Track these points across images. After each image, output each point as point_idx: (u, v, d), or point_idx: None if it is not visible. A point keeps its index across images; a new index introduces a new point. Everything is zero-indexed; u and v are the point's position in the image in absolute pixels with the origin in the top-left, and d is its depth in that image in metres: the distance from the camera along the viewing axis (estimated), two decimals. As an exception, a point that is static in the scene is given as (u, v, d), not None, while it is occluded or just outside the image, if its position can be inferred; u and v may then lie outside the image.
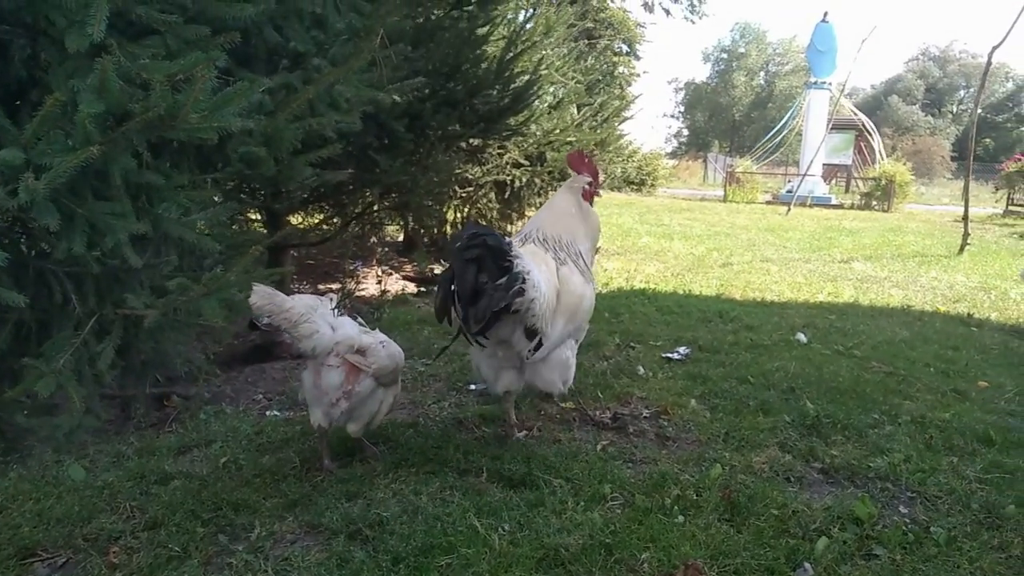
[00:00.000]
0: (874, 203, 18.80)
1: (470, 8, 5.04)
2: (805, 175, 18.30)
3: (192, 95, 1.99)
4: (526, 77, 5.42)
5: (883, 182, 18.13)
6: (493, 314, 2.11)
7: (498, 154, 6.04)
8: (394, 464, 2.23)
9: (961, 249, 9.73)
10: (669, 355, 3.84)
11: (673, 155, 43.98)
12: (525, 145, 6.29)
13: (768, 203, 19.02)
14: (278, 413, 2.73)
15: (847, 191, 23.20)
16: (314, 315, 2.27)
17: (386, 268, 6.08)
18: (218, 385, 3.12)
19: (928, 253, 9.75)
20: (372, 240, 6.52)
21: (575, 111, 7.53)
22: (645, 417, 2.92)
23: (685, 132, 53.34)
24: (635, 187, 20.18)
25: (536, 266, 2.25)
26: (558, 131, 6.88)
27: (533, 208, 7.35)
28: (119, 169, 2.08)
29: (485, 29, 5.07)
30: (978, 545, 1.97)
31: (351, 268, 4.74)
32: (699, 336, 4.30)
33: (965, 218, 9.83)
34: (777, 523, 2.01)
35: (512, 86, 5.23)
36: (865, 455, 2.57)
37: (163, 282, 2.38)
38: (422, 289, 5.42)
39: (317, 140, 3.11)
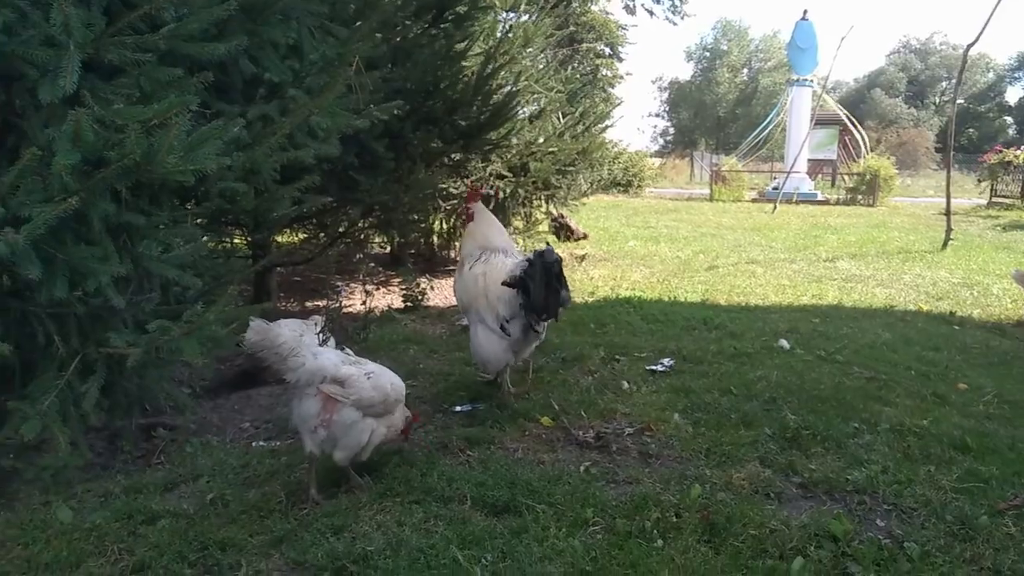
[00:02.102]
0: (859, 198, 18.91)
1: (446, 26, 5.08)
2: (790, 172, 18.40)
3: (167, 140, 2.02)
4: (505, 90, 5.46)
5: (867, 177, 18.25)
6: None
7: (481, 167, 6.08)
8: (379, 494, 2.26)
9: (944, 244, 9.83)
10: (653, 367, 3.88)
11: (660, 154, 44.13)
12: (507, 156, 6.33)
13: (754, 200, 19.11)
14: (264, 444, 2.76)
15: (833, 186, 23.35)
16: (302, 348, 2.30)
17: (372, 285, 6.09)
18: (204, 414, 3.14)
19: (912, 249, 9.84)
20: (358, 256, 6.54)
21: (557, 120, 7.57)
22: (628, 434, 2.96)
23: (671, 131, 53.55)
24: (622, 188, 20.24)
25: None
26: (540, 141, 6.94)
27: (517, 217, 7.40)
28: (98, 213, 2.11)
29: (463, 45, 5.11)
30: (951, 559, 2.01)
31: (334, 291, 4.76)
32: (683, 345, 4.35)
33: (948, 214, 9.92)
34: (755, 543, 2.05)
35: (491, 101, 5.28)
36: (844, 467, 2.62)
37: (146, 319, 2.41)
38: (408, 304, 5.45)
39: (297, 170, 3.14)
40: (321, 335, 3.75)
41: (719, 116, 48.64)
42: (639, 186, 21.16)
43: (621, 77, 20.70)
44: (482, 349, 3.20)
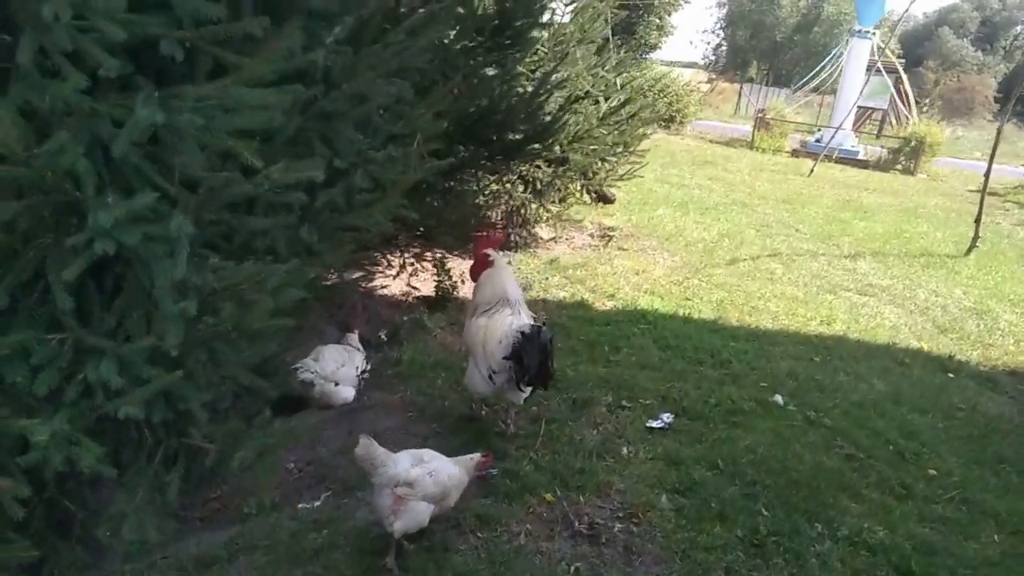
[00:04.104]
0: (900, 161, 18.69)
1: (505, 43, 5.21)
2: (837, 129, 18.11)
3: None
4: (557, 103, 5.62)
5: (912, 143, 17.96)
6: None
7: (522, 168, 6.30)
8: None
9: (969, 250, 9.95)
10: (653, 424, 4.29)
11: (710, 68, 42.75)
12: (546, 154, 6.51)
13: (794, 153, 18.92)
14: (307, 505, 3.23)
15: (878, 137, 22.95)
16: (388, 459, 2.87)
17: (409, 258, 6.38)
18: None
19: (935, 252, 9.96)
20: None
21: (601, 103, 7.64)
22: (619, 517, 3.41)
23: (724, 47, 51.57)
24: (664, 124, 20.02)
25: None
26: (583, 132, 7.08)
27: (555, 203, 7.62)
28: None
29: (519, 65, 5.24)
30: None
31: (362, 312, 5.13)
32: (686, 391, 4.73)
33: (978, 221, 9.97)
34: None
35: (541, 119, 5.45)
36: (795, 590, 3.06)
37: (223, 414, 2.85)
38: (439, 294, 5.81)
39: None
40: (360, 365, 4.20)
41: (776, 40, 46.73)
42: (681, 122, 20.91)
43: (681, 4, 20.03)
44: (472, 384, 3.90)
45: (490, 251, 3.98)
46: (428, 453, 3.11)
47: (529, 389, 3.80)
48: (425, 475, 2.94)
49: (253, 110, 2.21)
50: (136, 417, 2.32)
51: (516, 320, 3.75)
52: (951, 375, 5.92)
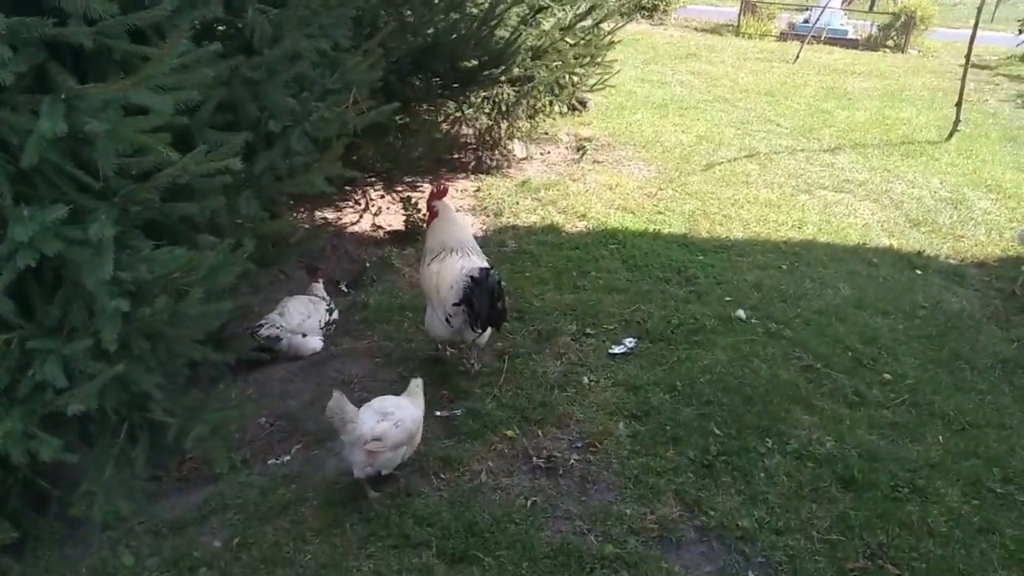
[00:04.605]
0: (892, 36, 18.20)
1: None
2: (824, 7, 17.52)
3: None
4: (509, 28, 5.50)
5: (902, 18, 17.42)
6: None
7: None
8: (364, 538, 2.94)
9: (950, 135, 9.85)
10: (615, 350, 4.43)
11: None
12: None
13: (781, 37, 18.38)
14: (277, 461, 3.41)
15: (870, 9, 22.25)
16: (356, 416, 3.04)
17: (376, 193, 6.39)
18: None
19: (917, 139, 9.86)
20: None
21: (562, 12, 7.40)
22: (577, 448, 3.60)
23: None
24: (646, 13, 19.38)
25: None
26: (546, 46, 6.92)
27: (525, 121, 7.52)
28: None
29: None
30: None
31: (329, 251, 5.19)
32: (650, 314, 4.85)
33: (959, 104, 9.81)
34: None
35: (493, 45, 5.35)
36: (740, 506, 3.25)
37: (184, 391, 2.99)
38: (408, 228, 5.85)
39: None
40: (328, 311, 4.30)
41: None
42: (665, 11, 20.23)
43: None
44: (431, 328, 4.05)
45: (436, 203, 4.05)
46: (390, 401, 3.26)
47: (488, 330, 3.92)
48: (391, 427, 3.10)
49: (157, 113, 2.23)
50: (90, 408, 2.45)
51: (466, 264, 3.86)
52: (919, 272, 6.02)
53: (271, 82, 3.10)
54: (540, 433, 3.68)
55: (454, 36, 4.92)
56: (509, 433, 3.65)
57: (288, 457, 3.44)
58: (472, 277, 3.73)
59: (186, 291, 2.48)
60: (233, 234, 3.05)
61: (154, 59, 2.14)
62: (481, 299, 3.70)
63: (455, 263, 3.87)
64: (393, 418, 3.13)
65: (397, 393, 3.40)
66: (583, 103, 9.72)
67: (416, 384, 3.39)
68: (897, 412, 4.09)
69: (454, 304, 3.75)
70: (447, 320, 3.86)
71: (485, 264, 3.93)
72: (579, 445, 3.62)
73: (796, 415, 3.96)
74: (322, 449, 3.52)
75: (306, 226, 3.60)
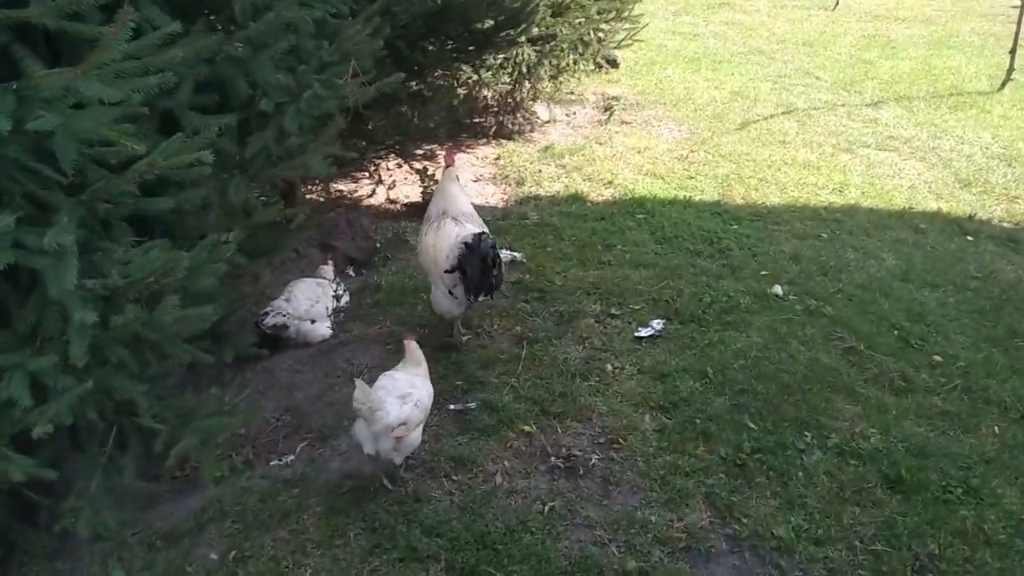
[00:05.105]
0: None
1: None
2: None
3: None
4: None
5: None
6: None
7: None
8: (369, 551, 2.75)
9: (1003, 85, 9.23)
10: (642, 332, 4.15)
11: None
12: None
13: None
14: (280, 462, 3.22)
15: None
16: (383, 404, 2.88)
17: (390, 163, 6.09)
18: (231, 399, 3.59)
19: (966, 90, 9.25)
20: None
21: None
22: (599, 444, 3.36)
23: None
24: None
25: None
26: (568, 1, 6.54)
27: (543, 83, 7.15)
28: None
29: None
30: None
31: (344, 226, 4.96)
32: (679, 291, 4.55)
33: (1013, 51, 9.16)
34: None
35: (507, 6, 5.00)
36: (776, 512, 2.99)
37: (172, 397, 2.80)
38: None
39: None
40: (336, 294, 4.09)
41: None
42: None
43: None
44: (438, 304, 3.89)
45: (438, 172, 3.97)
46: (402, 381, 3.08)
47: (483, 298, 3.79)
48: (413, 408, 2.98)
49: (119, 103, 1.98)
50: (62, 423, 2.26)
51: (461, 231, 3.73)
52: (970, 238, 5.63)
53: (256, 58, 2.83)
54: (560, 428, 3.44)
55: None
56: (527, 428, 3.42)
57: (292, 457, 3.25)
58: (465, 243, 3.62)
59: (160, 298, 2.26)
60: (221, 226, 2.82)
61: (101, 44, 1.88)
62: (473, 265, 3.58)
63: (451, 230, 3.75)
64: (412, 399, 3.01)
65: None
66: (612, 61, 9.26)
67: (414, 348, 3.24)
68: (948, 399, 3.78)
69: (446, 271, 3.63)
70: (451, 292, 3.72)
71: (480, 228, 3.78)
72: (601, 441, 3.38)
73: (837, 405, 3.67)
74: (327, 447, 3.33)
75: (305, 212, 3.33)
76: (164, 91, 2.37)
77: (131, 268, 2.26)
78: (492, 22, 4.93)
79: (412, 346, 3.23)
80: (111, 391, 2.45)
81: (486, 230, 3.81)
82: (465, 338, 4.06)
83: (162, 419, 2.70)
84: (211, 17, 3.04)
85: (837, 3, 14.15)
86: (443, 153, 4.09)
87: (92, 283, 2.14)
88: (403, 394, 2.99)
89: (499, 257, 3.72)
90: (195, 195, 2.42)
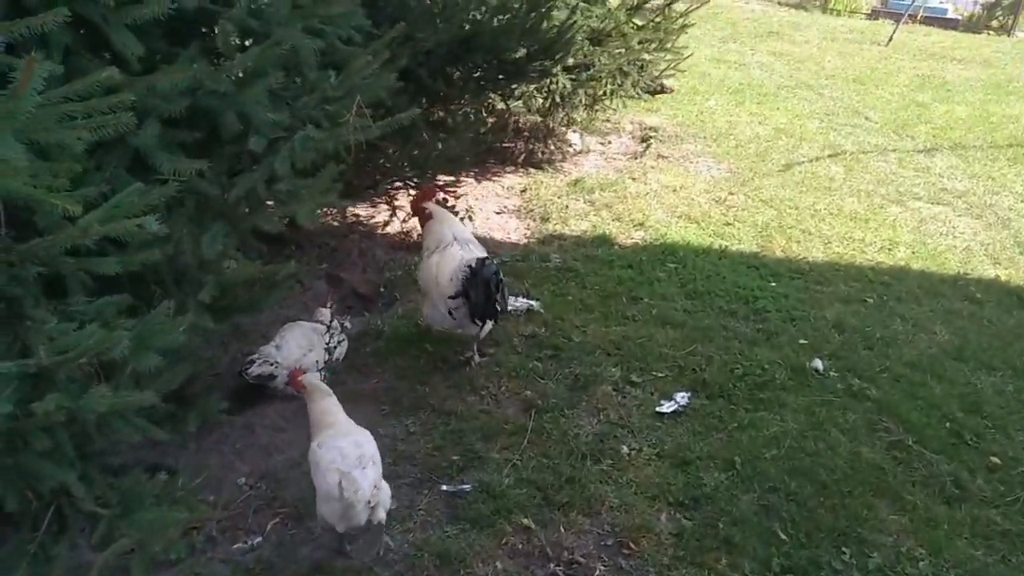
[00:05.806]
0: (997, 16, 16.61)
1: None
2: (924, -18, 16.05)
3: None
4: (562, 16, 4.77)
5: (1011, -2, 15.84)
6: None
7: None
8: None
9: (1068, 135, 8.70)
10: (664, 408, 3.74)
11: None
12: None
13: (872, 15, 16.96)
14: (245, 544, 2.85)
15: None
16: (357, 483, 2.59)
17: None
18: (204, 455, 3.25)
19: (1026, 140, 8.73)
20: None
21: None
22: (606, 547, 2.95)
23: None
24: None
25: None
26: (608, 29, 6.16)
27: (578, 111, 6.76)
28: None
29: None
30: None
31: (355, 257, 4.63)
32: (709, 359, 4.14)
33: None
34: None
35: (543, 36, 4.63)
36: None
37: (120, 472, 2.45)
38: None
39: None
40: (329, 346, 3.75)
41: None
42: (746, -20, 18.87)
43: None
44: (431, 319, 3.91)
45: (427, 206, 4.00)
46: (347, 440, 2.78)
47: (489, 324, 3.81)
48: (376, 468, 2.74)
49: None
50: None
51: (466, 254, 3.74)
52: (1033, 312, 5.14)
53: (245, 90, 2.48)
54: (564, 523, 3.04)
55: (496, 24, 4.21)
56: (526, 522, 3.02)
57: (259, 539, 2.88)
58: (469, 267, 3.63)
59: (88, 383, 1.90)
60: (193, 281, 2.48)
61: (9, 94, 1.53)
62: (477, 290, 3.58)
63: (456, 253, 3.76)
64: (366, 459, 2.72)
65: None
66: (661, 87, 8.74)
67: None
68: (1008, 514, 3.32)
69: (451, 297, 3.64)
70: (450, 313, 3.72)
71: (484, 254, 3.80)
72: (609, 543, 2.97)
73: (881, 513, 3.23)
74: (301, 528, 2.95)
75: (291, 268, 2.96)
76: (129, 130, 2.03)
77: (63, 344, 1.91)
78: (525, 51, 4.55)
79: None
80: (37, 476, 2.11)
81: (486, 253, 3.88)
82: (475, 362, 3.99)
83: (105, 502, 2.36)
84: (206, 40, 2.73)
85: (891, 39, 13.64)
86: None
87: (8, 366, 1.79)
88: (359, 457, 2.70)
89: (502, 283, 3.68)
90: (149, 255, 2.06)
